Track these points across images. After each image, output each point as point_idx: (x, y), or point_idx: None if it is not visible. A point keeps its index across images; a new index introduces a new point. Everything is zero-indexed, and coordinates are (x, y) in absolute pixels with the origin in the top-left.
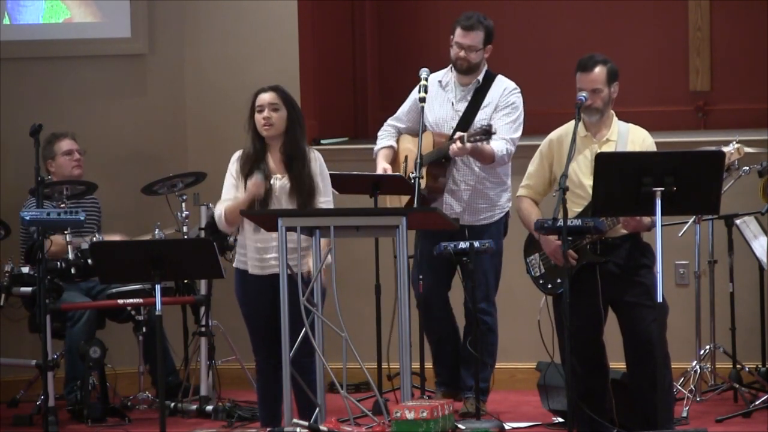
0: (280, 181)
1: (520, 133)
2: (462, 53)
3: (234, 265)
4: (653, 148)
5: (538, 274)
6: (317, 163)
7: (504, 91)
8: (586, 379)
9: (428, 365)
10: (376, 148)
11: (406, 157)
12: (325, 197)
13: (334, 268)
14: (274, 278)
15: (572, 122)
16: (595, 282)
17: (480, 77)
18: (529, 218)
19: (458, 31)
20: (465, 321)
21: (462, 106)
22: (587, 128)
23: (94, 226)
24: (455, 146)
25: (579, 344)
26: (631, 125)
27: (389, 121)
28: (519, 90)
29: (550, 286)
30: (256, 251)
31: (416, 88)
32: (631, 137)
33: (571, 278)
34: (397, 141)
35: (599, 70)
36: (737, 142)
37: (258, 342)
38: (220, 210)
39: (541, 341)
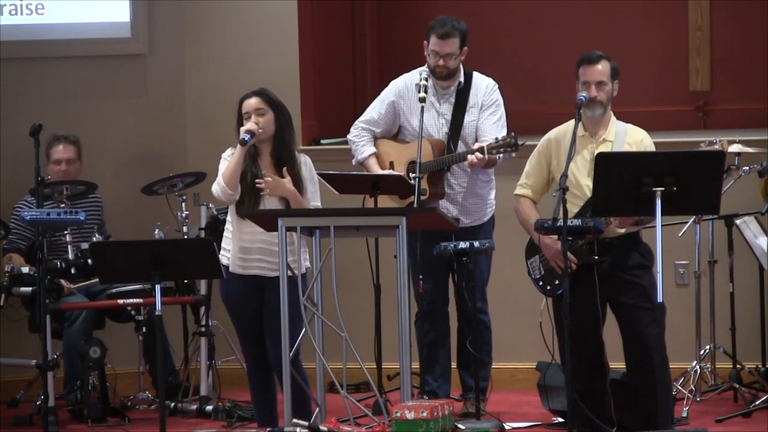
0: None
1: (506, 129)
2: (441, 62)
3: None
4: (651, 149)
5: (538, 276)
6: (306, 167)
7: (486, 89)
8: (585, 378)
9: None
10: (358, 156)
11: (391, 162)
12: (314, 202)
13: (333, 268)
14: (256, 279)
15: (571, 122)
16: (592, 282)
17: (461, 79)
18: (529, 221)
19: (434, 40)
20: (459, 322)
21: (447, 109)
22: (586, 128)
23: (94, 226)
24: (475, 158)
25: (578, 344)
26: (629, 125)
27: (362, 125)
28: (497, 85)
29: (549, 287)
30: (240, 250)
31: (386, 92)
32: (628, 138)
33: (570, 281)
34: (375, 145)
35: (604, 64)
36: (719, 139)
37: (245, 343)
38: (218, 179)
39: (541, 341)
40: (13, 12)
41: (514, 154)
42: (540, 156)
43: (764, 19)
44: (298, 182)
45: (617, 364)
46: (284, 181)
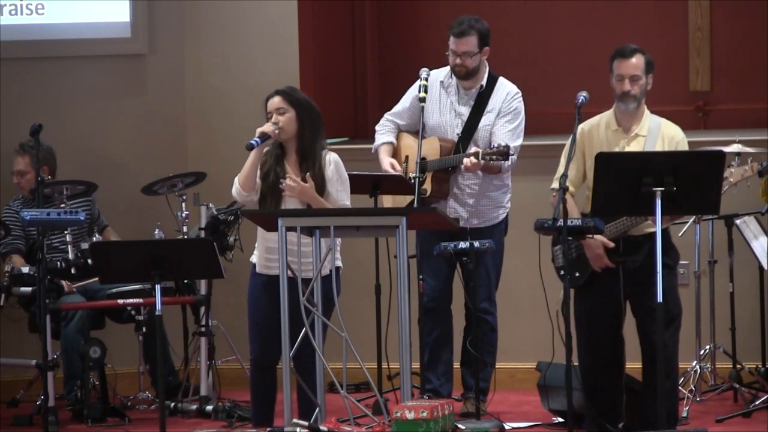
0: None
1: (521, 139)
2: (458, 60)
3: (250, 259)
4: (684, 147)
5: (560, 264)
6: (332, 166)
7: (507, 96)
8: (600, 375)
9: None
10: (376, 143)
11: (407, 156)
12: (341, 201)
13: (334, 268)
14: (279, 279)
15: (603, 114)
16: (615, 280)
17: (483, 81)
18: (570, 213)
19: (451, 39)
20: (465, 321)
21: (465, 110)
22: (619, 122)
23: (93, 227)
24: (469, 162)
25: (597, 340)
26: (663, 120)
27: (388, 116)
28: (520, 94)
29: (569, 277)
30: (266, 251)
31: (415, 85)
32: (661, 133)
33: (590, 274)
34: (397, 138)
35: (638, 58)
36: (751, 161)
37: (256, 341)
38: (235, 180)
39: (542, 341)
40: (13, 12)
41: (507, 164)
42: (576, 147)
43: (764, 19)
44: (321, 182)
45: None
46: (307, 186)
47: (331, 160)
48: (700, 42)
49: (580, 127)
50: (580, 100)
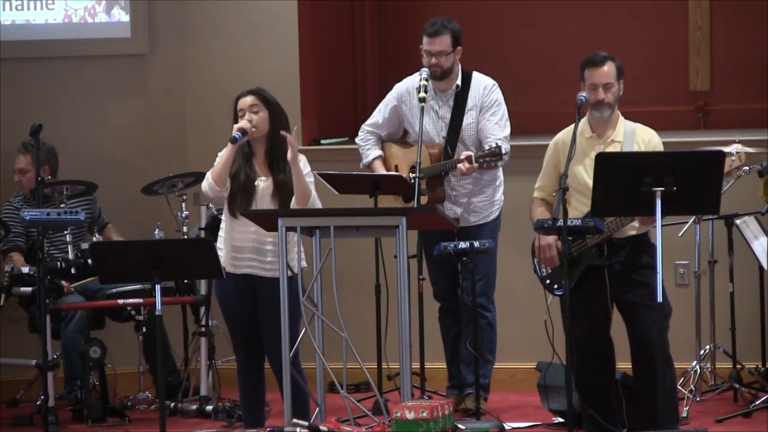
0: (263, 183)
1: (509, 128)
2: (433, 60)
3: None
4: (660, 149)
5: (544, 274)
6: (301, 162)
7: (484, 90)
8: (592, 377)
9: (429, 365)
10: (365, 159)
11: (396, 166)
12: (314, 193)
13: (333, 268)
14: (248, 278)
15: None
16: (601, 282)
17: (458, 81)
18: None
19: (425, 39)
20: (463, 319)
21: (446, 113)
22: (593, 129)
23: (94, 226)
24: (464, 167)
25: (586, 343)
26: (638, 125)
27: (368, 128)
28: (497, 85)
29: (556, 286)
30: (232, 249)
31: (390, 96)
32: (637, 138)
33: (577, 279)
34: (382, 148)
35: (610, 65)
36: (737, 150)
37: (237, 341)
38: (207, 175)
39: (541, 341)
40: (19, 8)
41: (500, 163)
42: (548, 161)
43: (764, 19)
44: (291, 183)
45: (620, 365)
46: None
47: (301, 158)
48: (700, 42)
49: (554, 139)
50: (580, 100)
